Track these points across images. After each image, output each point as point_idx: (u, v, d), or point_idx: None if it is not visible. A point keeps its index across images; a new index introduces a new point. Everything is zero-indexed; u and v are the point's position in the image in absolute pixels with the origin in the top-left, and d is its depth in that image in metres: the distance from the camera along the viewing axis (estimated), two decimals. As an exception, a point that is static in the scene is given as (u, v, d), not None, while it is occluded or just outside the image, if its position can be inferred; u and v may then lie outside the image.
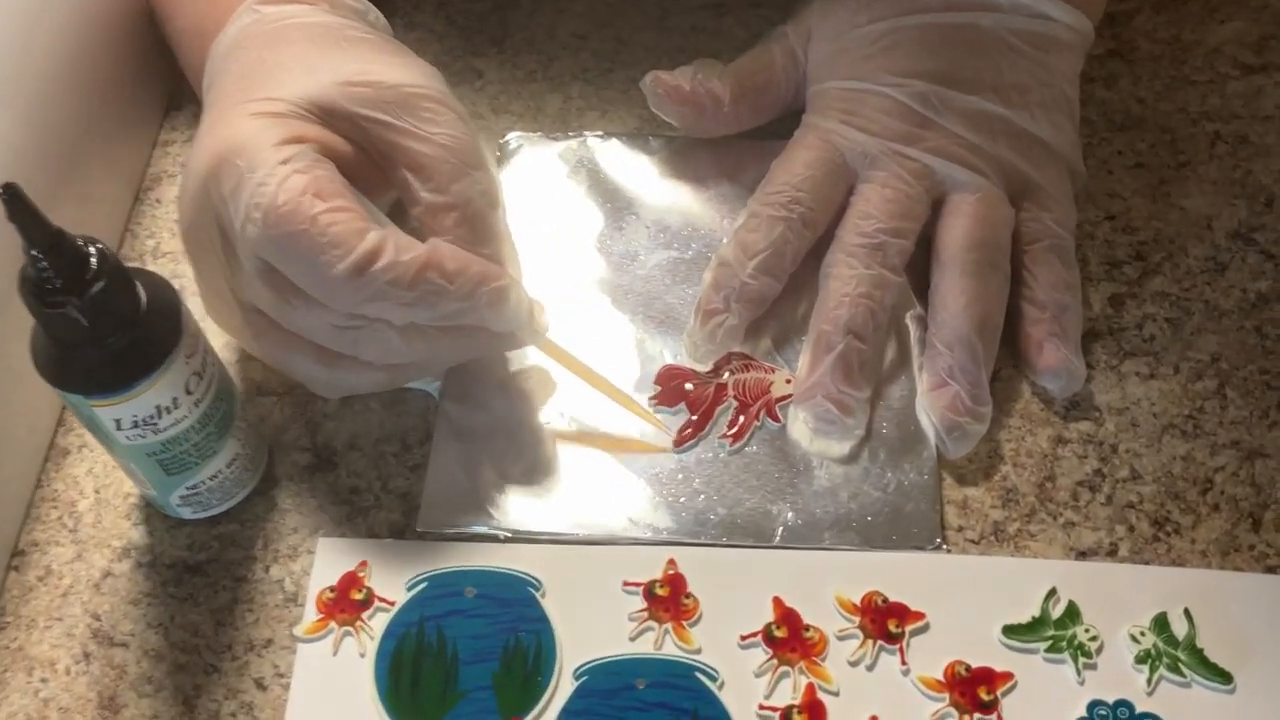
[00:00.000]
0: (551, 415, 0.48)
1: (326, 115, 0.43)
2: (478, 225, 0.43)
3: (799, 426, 0.47)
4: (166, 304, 0.40)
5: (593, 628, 0.43)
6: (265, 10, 0.46)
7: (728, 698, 0.42)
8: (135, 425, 0.40)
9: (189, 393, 0.41)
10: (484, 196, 0.44)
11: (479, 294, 0.42)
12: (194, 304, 0.51)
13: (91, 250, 0.37)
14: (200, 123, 0.44)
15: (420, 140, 0.43)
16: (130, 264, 0.53)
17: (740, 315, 0.48)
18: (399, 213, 0.44)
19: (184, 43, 0.51)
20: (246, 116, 0.42)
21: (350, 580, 0.44)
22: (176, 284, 0.52)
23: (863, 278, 0.48)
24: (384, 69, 0.44)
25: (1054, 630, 0.42)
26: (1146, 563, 0.44)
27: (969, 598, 0.43)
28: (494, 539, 0.45)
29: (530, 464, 0.47)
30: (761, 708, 0.42)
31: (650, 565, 0.44)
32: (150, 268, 0.53)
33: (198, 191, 0.42)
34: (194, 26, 0.49)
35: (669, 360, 0.49)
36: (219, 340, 0.51)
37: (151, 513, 0.47)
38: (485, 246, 0.44)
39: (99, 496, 0.47)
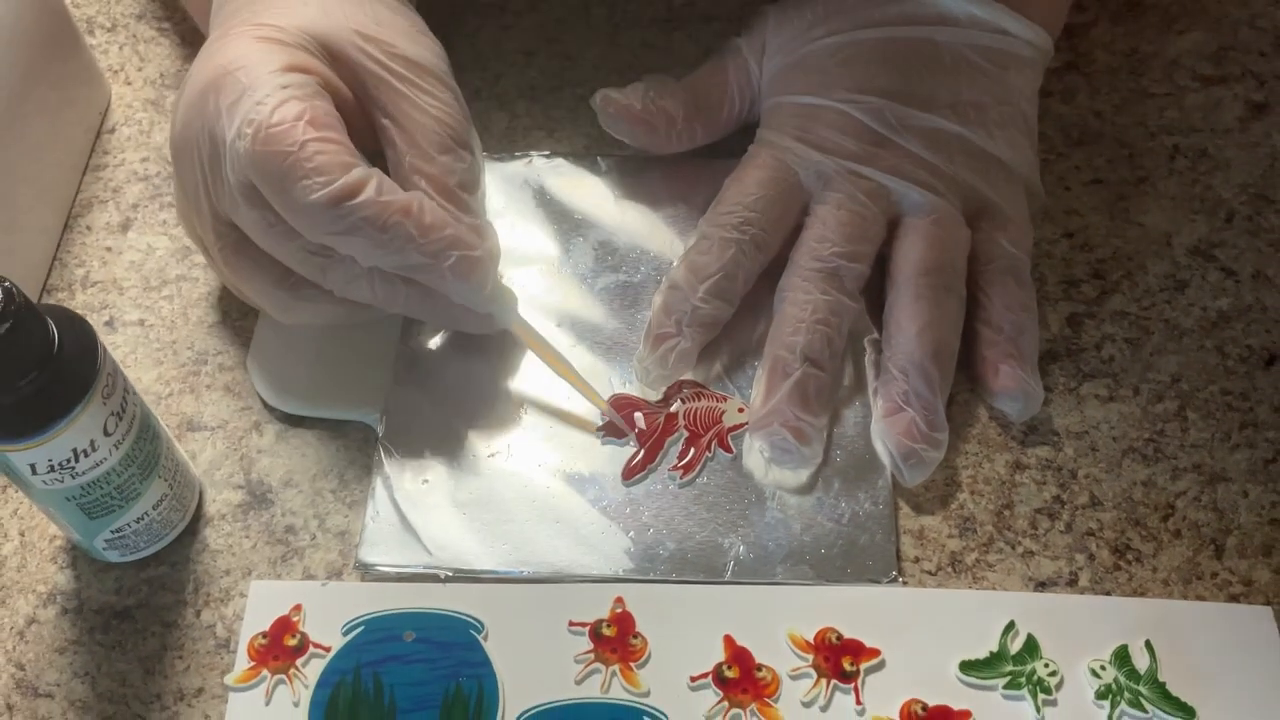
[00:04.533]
0: (498, 447, 0.47)
1: (331, 56, 0.43)
2: (456, 201, 0.43)
3: (754, 456, 0.46)
4: (82, 342, 0.38)
5: (537, 671, 0.41)
6: None
7: (677, 742, 0.40)
8: (51, 469, 0.38)
9: (108, 434, 0.39)
10: (467, 173, 0.44)
11: (446, 254, 0.41)
12: (114, 338, 0.50)
13: (-3, 289, 0.35)
14: (205, 45, 0.44)
15: (416, 107, 0.44)
16: (57, 294, 0.52)
17: (692, 339, 0.47)
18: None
19: None
20: (252, 39, 0.42)
21: (283, 625, 0.43)
22: (104, 315, 0.51)
23: (819, 303, 0.46)
24: (397, 35, 0.44)
25: (1012, 665, 0.41)
26: (1107, 593, 0.43)
27: (925, 632, 0.42)
28: (434, 579, 0.43)
29: (473, 499, 0.45)
30: (712, 752, 0.40)
31: (597, 604, 0.43)
32: (79, 297, 0.51)
33: (195, 100, 0.42)
34: None
35: (618, 388, 0.48)
36: (147, 374, 0.49)
37: (78, 555, 0.45)
38: (464, 220, 0.43)
39: (24, 540, 0.45)
